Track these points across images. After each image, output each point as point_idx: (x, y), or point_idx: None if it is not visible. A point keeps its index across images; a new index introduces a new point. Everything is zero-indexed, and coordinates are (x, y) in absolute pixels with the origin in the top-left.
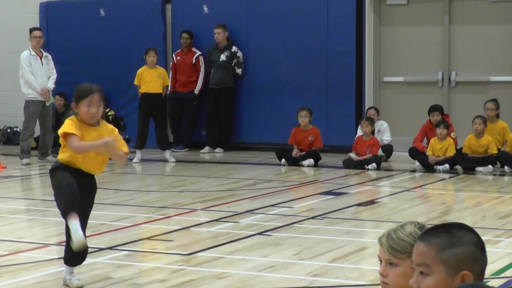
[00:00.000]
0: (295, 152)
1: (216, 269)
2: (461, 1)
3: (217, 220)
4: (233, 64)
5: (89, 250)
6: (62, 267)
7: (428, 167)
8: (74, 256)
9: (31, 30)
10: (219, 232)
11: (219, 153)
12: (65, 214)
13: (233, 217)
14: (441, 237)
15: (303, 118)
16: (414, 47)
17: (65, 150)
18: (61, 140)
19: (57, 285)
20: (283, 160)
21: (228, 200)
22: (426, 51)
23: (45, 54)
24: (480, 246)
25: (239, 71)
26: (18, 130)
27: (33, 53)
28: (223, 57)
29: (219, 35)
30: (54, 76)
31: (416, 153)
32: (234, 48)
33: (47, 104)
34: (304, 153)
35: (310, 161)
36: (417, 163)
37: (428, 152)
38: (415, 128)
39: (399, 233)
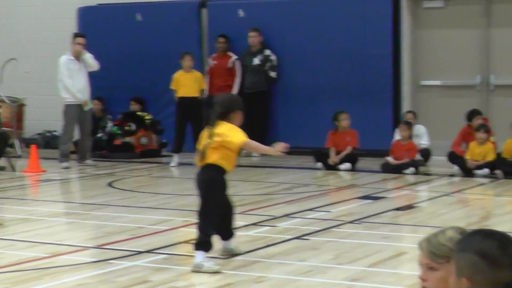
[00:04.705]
0: (332, 160)
1: (253, 273)
2: (499, 3)
3: (254, 224)
4: (266, 68)
5: (127, 253)
6: (101, 270)
7: (467, 172)
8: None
9: (76, 35)
10: (257, 236)
11: (255, 157)
12: (203, 240)
13: (270, 221)
14: (463, 240)
15: (344, 120)
16: (452, 50)
17: (220, 152)
18: (236, 148)
19: None
20: (319, 163)
21: (265, 204)
22: (464, 55)
23: (82, 56)
24: (489, 259)
25: (273, 74)
26: (57, 134)
27: (71, 57)
28: (256, 61)
29: (255, 38)
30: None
31: (454, 157)
32: (267, 52)
33: (85, 109)
34: (341, 154)
35: (347, 164)
36: (456, 167)
37: (467, 157)
38: (453, 132)
39: (439, 238)
